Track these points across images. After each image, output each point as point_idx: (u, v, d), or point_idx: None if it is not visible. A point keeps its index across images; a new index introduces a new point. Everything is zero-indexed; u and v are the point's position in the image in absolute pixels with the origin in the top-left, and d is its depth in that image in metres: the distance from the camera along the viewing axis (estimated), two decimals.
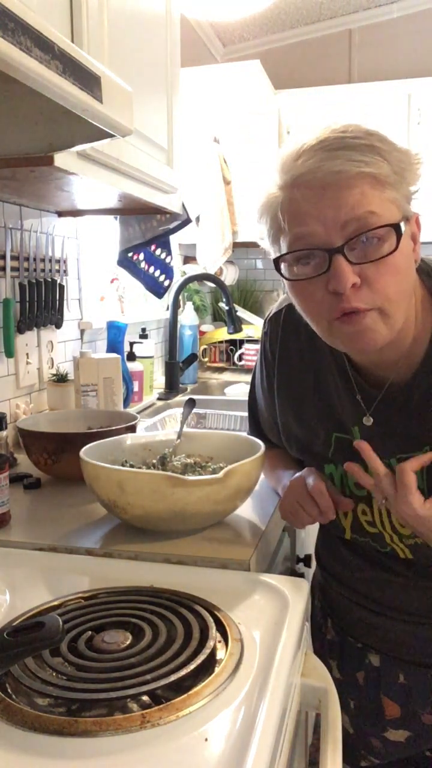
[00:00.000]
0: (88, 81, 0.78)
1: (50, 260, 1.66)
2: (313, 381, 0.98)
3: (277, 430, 1.08)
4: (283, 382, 1.03)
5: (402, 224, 0.76)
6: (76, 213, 1.70)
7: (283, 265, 0.82)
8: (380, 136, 0.78)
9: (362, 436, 0.91)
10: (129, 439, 1.18)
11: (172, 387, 2.27)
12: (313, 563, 1.20)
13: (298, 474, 0.99)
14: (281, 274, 0.83)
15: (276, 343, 1.03)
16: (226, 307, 2.22)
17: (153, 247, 2.06)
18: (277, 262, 0.83)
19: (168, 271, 2.15)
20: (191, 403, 1.31)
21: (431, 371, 0.85)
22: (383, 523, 0.94)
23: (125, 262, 1.94)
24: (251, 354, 2.79)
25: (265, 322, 1.08)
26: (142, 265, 2.03)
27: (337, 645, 1.08)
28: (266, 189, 0.84)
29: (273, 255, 0.84)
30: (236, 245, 2.71)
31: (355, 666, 1.05)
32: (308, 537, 1.60)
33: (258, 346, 1.12)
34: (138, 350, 2.09)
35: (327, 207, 0.75)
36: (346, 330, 0.79)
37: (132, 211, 1.66)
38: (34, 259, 1.58)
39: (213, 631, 0.71)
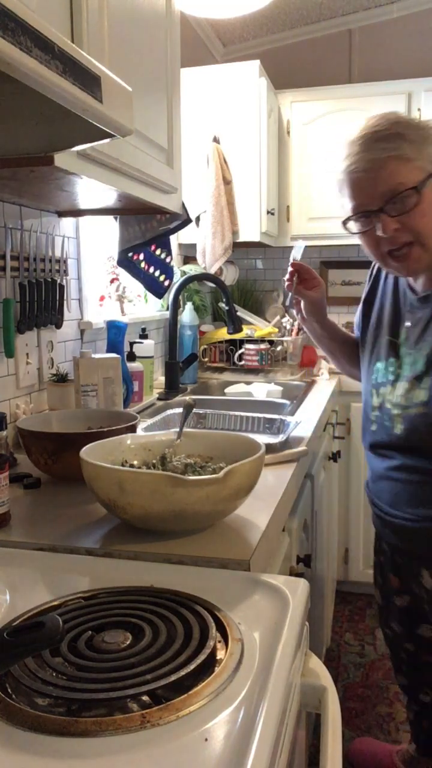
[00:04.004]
0: (88, 81, 0.78)
1: (50, 260, 1.66)
2: (384, 298, 1.41)
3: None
4: (371, 297, 1.47)
5: (426, 182, 1.16)
6: (76, 213, 1.70)
7: (350, 223, 1.25)
8: (404, 123, 1.19)
9: (403, 337, 1.33)
10: (129, 439, 1.18)
11: (172, 387, 2.27)
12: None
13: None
14: (348, 230, 1.26)
15: (372, 274, 1.49)
16: (226, 307, 2.22)
17: (153, 247, 2.06)
18: (345, 221, 1.25)
19: (168, 271, 2.15)
20: (189, 407, 1.30)
21: None
22: (395, 396, 1.32)
23: (125, 262, 1.94)
24: (251, 354, 2.79)
25: None
26: (142, 265, 2.03)
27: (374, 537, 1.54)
28: (337, 171, 1.23)
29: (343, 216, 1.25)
30: (236, 245, 2.71)
31: (377, 551, 1.54)
32: (308, 537, 1.60)
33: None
34: (138, 350, 2.08)
35: (369, 186, 1.17)
36: (396, 265, 1.24)
37: (132, 211, 1.66)
38: (34, 259, 1.58)
39: (213, 631, 0.71)
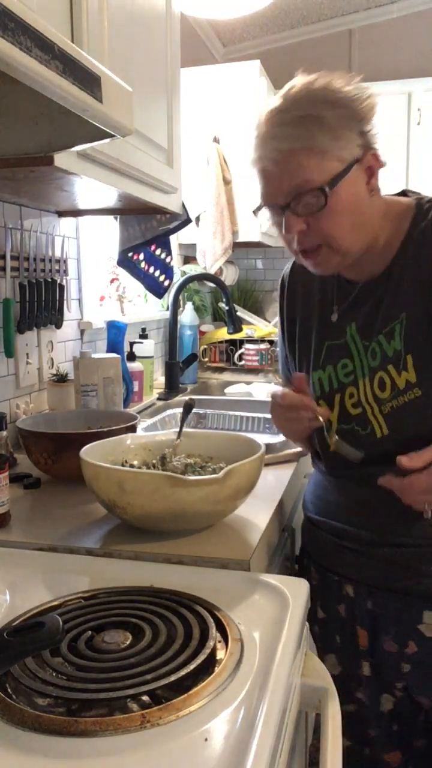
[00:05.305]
0: (88, 81, 0.78)
1: (50, 260, 1.66)
2: (312, 302, 1.17)
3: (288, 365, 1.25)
4: (291, 312, 1.22)
5: (338, 179, 0.95)
6: (76, 213, 1.70)
7: (261, 212, 1.07)
8: (322, 99, 0.96)
9: (352, 331, 1.09)
10: (129, 439, 1.18)
11: (172, 387, 2.27)
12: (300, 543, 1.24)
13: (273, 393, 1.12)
14: (258, 218, 1.10)
15: (284, 288, 1.24)
16: (226, 307, 2.21)
17: (153, 247, 2.06)
18: (256, 209, 1.08)
19: (168, 271, 2.15)
20: (189, 407, 1.30)
21: (402, 259, 1.04)
22: (366, 394, 1.06)
23: (125, 262, 1.94)
24: (251, 354, 2.78)
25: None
26: (142, 265, 2.02)
27: (319, 586, 1.17)
28: (250, 151, 1.04)
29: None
30: (236, 245, 2.71)
31: (335, 600, 1.15)
32: None
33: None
34: (138, 350, 2.08)
35: (275, 178, 0.99)
36: (307, 262, 1.04)
37: (132, 211, 1.66)
38: (34, 259, 1.58)
39: (213, 631, 0.71)
